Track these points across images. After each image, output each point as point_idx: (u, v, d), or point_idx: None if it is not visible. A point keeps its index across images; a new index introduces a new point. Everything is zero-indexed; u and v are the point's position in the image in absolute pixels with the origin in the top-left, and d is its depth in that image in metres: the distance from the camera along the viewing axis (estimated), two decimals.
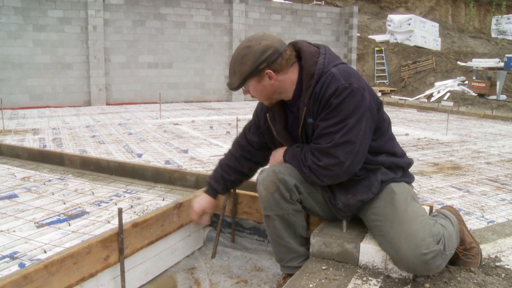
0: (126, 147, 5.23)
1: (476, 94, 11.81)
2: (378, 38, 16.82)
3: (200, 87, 12.05)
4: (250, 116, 2.16)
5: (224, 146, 5.33)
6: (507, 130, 7.45)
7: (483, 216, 2.92)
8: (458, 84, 12.65)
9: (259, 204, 1.83)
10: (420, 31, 16.13)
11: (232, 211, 2.33)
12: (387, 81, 14.92)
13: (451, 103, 11.14)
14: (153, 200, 2.77)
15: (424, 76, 13.88)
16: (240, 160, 2.03)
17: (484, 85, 11.69)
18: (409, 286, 1.60)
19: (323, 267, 1.71)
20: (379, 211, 1.68)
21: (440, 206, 2.11)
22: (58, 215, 2.51)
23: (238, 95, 12.16)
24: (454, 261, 1.78)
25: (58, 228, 2.32)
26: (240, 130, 2.14)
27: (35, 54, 9.89)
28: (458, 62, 14.37)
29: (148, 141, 5.72)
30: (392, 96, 13.38)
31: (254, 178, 2.07)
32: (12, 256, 1.96)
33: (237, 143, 2.07)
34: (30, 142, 5.51)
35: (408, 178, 1.81)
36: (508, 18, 19.54)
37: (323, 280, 1.61)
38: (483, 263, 1.88)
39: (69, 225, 2.36)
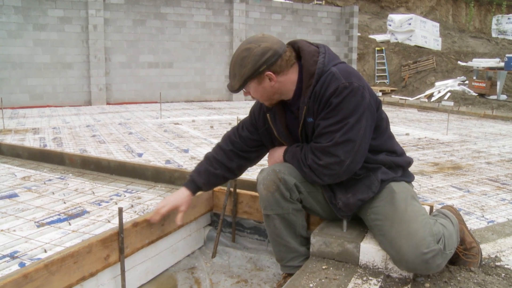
0: (127, 147, 5.23)
1: (477, 94, 11.81)
2: (379, 37, 16.81)
3: (200, 87, 12.05)
4: None
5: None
6: (507, 130, 7.45)
7: (483, 216, 2.92)
8: (459, 84, 12.64)
9: (259, 203, 1.83)
10: (421, 31, 16.12)
11: (232, 210, 2.33)
12: (387, 81, 14.91)
13: (452, 103, 11.14)
14: (153, 199, 2.78)
15: (424, 76, 13.87)
16: (229, 155, 1.94)
17: (484, 85, 11.69)
18: (409, 285, 1.60)
19: (323, 267, 1.71)
20: (379, 211, 1.68)
21: (440, 206, 2.11)
22: (59, 215, 2.51)
23: (239, 95, 12.15)
24: (454, 260, 1.78)
25: (58, 227, 2.32)
26: None
27: (36, 53, 9.89)
28: (459, 62, 14.35)
29: (148, 140, 5.72)
30: (392, 96, 13.38)
31: (254, 177, 2.06)
32: (12, 256, 1.96)
33: (228, 138, 1.99)
34: (31, 142, 5.51)
35: (408, 178, 1.81)
36: (509, 18, 19.50)
37: (323, 280, 1.62)
38: (483, 262, 1.88)
39: (70, 224, 2.37)
